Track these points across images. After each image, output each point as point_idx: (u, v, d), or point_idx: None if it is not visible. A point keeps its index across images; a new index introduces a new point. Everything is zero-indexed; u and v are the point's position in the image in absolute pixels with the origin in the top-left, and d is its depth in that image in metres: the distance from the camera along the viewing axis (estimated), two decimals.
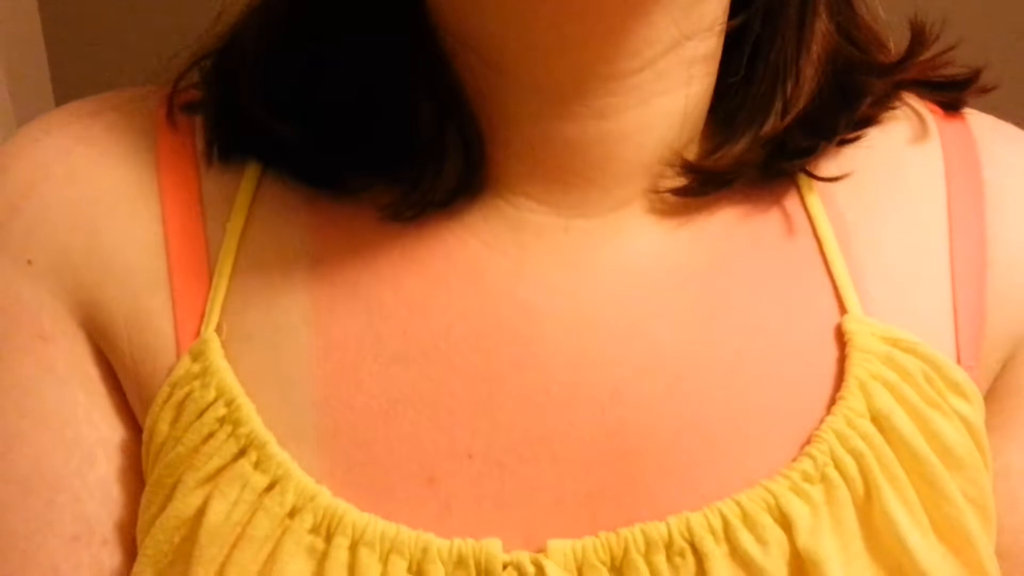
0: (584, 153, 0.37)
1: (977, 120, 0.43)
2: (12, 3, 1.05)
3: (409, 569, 0.34)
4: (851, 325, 0.37)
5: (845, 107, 0.40)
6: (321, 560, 0.34)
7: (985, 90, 0.43)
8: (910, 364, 0.37)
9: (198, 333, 0.37)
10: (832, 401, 0.37)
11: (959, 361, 0.38)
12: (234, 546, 0.34)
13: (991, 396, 0.40)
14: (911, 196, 0.40)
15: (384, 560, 0.34)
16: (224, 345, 0.37)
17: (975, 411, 0.38)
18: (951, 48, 0.42)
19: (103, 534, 0.37)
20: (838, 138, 0.39)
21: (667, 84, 0.37)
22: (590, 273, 0.38)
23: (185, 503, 0.35)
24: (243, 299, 0.37)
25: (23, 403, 0.37)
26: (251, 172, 0.39)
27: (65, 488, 0.37)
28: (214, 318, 0.37)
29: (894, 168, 0.41)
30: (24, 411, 0.37)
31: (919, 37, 0.42)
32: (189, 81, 0.41)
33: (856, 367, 0.37)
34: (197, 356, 0.37)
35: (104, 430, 0.38)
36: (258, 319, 0.37)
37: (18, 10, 1.06)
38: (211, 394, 0.36)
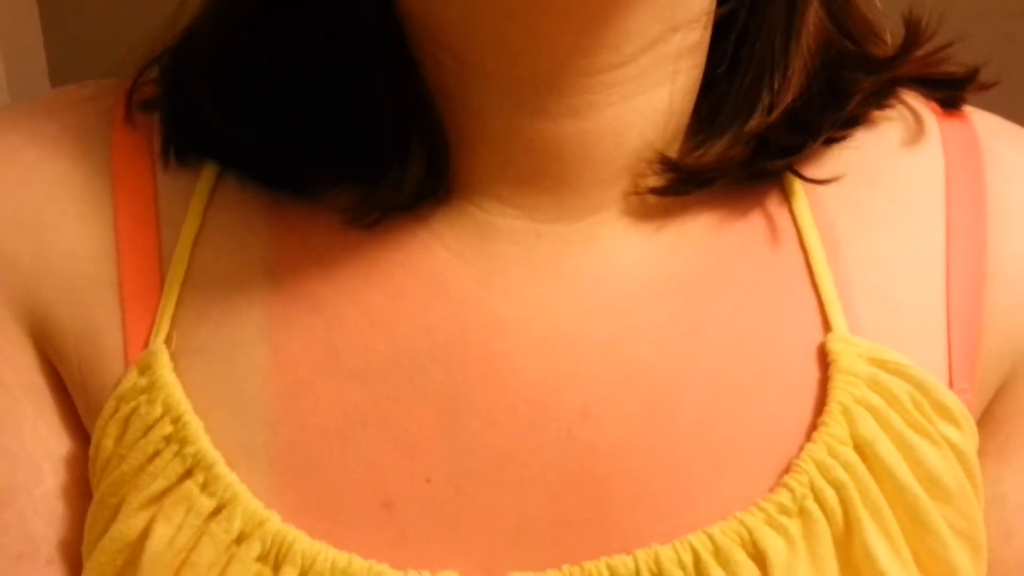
0: (559, 153, 0.35)
1: (981, 120, 0.40)
2: (11, 2, 1.03)
3: None
4: (835, 345, 0.35)
5: (833, 104, 0.37)
6: None
7: (984, 87, 0.41)
8: (896, 387, 0.35)
9: (147, 344, 0.35)
10: (813, 426, 0.35)
11: (951, 383, 0.36)
12: (177, 573, 0.33)
13: (986, 419, 0.38)
14: (907, 203, 0.38)
15: None
16: (173, 358, 0.35)
17: (965, 438, 0.36)
18: (949, 44, 0.40)
19: (48, 553, 0.36)
20: (824, 136, 0.37)
21: (650, 80, 0.35)
22: (563, 284, 0.36)
23: (128, 525, 0.34)
24: (195, 309, 0.36)
25: None
26: (208, 172, 0.37)
27: (9, 504, 0.36)
28: (163, 329, 0.35)
29: (889, 173, 0.39)
30: None
31: (914, 33, 0.39)
32: (149, 77, 0.39)
33: (839, 391, 0.35)
34: (144, 369, 0.35)
35: (51, 443, 0.36)
36: (210, 331, 0.35)
37: (19, 8, 1.04)
38: (157, 410, 0.34)
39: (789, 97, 0.36)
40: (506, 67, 0.34)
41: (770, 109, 0.36)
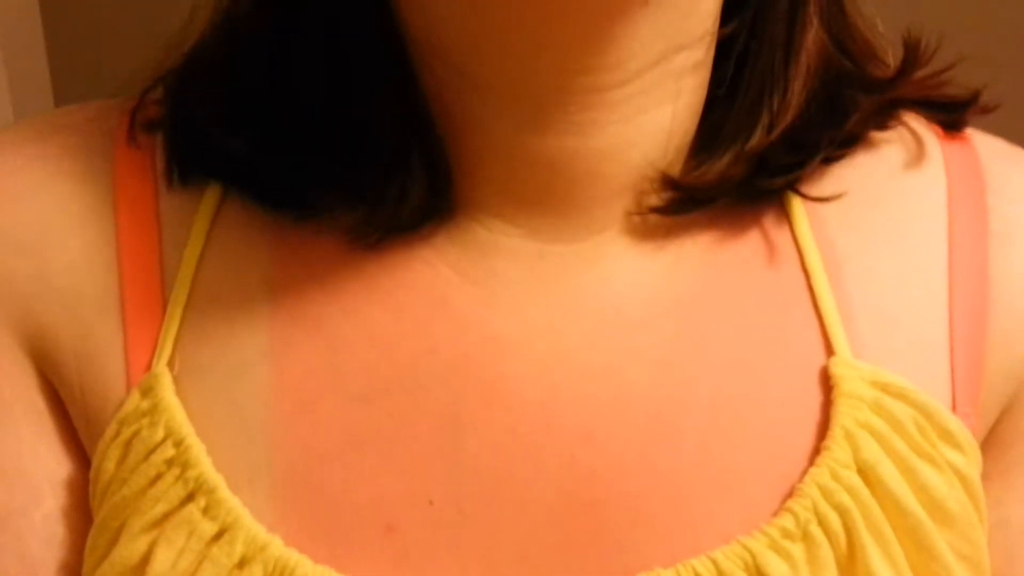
0: (562, 171, 0.35)
1: (983, 142, 0.40)
2: (13, 1, 1.04)
3: None
4: (838, 369, 0.35)
5: (832, 122, 0.37)
6: None
7: (986, 110, 0.41)
8: (900, 411, 0.35)
9: (149, 366, 0.35)
10: (816, 451, 0.35)
11: (954, 407, 0.36)
12: None
13: (990, 442, 0.38)
14: (909, 224, 0.38)
15: None
16: (176, 380, 0.35)
17: (969, 462, 0.36)
18: (950, 67, 0.40)
19: None
20: (823, 154, 0.37)
21: (653, 99, 0.35)
22: (565, 305, 0.36)
23: (129, 549, 0.33)
24: (198, 331, 0.36)
25: None
26: (211, 195, 0.37)
27: (8, 526, 0.35)
28: (166, 351, 0.35)
29: (891, 194, 0.39)
30: None
31: (913, 54, 0.39)
32: (153, 97, 0.39)
33: (842, 415, 0.35)
34: (147, 392, 0.35)
35: (51, 465, 0.36)
36: (213, 353, 0.35)
37: (19, 8, 1.04)
38: (159, 433, 0.34)
39: (789, 117, 0.36)
40: (509, 83, 0.34)
41: (770, 129, 0.36)
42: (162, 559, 0.33)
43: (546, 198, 0.36)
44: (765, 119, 0.36)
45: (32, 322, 0.36)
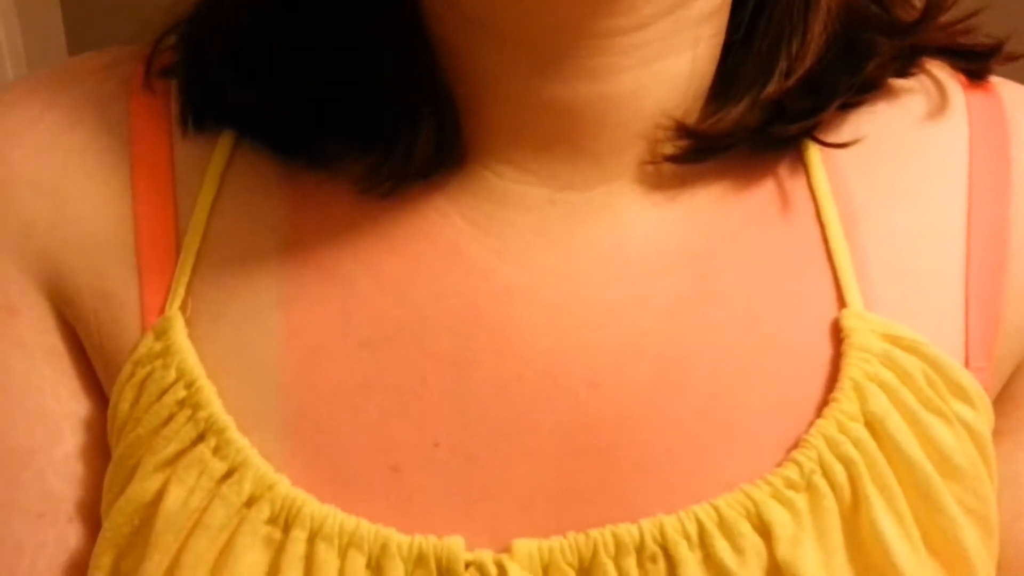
0: (575, 117, 0.35)
1: (1009, 91, 0.39)
2: None
3: (368, 565, 0.33)
4: (849, 321, 0.35)
5: (850, 67, 0.37)
6: (278, 552, 0.33)
7: (1012, 58, 0.40)
8: (910, 364, 0.35)
9: (163, 310, 0.36)
10: (824, 402, 0.34)
11: (967, 361, 0.36)
12: (190, 534, 0.34)
13: (1003, 398, 0.37)
14: (928, 176, 0.38)
15: (342, 555, 0.33)
16: (189, 324, 0.35)
17: (980, 417, 0.35)
18: (976, 12, 0.39)
19: (68, 512, 0.37)
20: (841, 100, 0.36)
21: (672, 45, 0.35)
22: (576, 253, 0.36)
23: (143, 487, 0.34)
24: (210, 277, 0.36)
25: None
26: (225, 140, 0.37)
27: (30, 464, 0.36)
28: (179, 295, 0.36)
29: (911, 145, 0.38)
30: None
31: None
32: (169, 44, 0.39)
33: (851, 367, 0.34)
34: (160, 335, 0.35)
35: (71, 405, 0.37)
36: (225, 298, 0.36)
37: None
38: (171, 375, 0.35)
39: (808, 62, 0.36)
40: (521, 27, 0.34)
41: (788, 74, 0.36)
42: (174, 497, 0.34)
43: (558, 144, 0.35)
44: (783, 64, 0.36)
45: (51, 266, 0.37)
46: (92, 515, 0.37)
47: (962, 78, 0.40)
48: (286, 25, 0.36)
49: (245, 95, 0.36)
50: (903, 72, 0.39)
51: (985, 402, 0.36)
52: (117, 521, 0.35)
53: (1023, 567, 0.37)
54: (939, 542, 0.34)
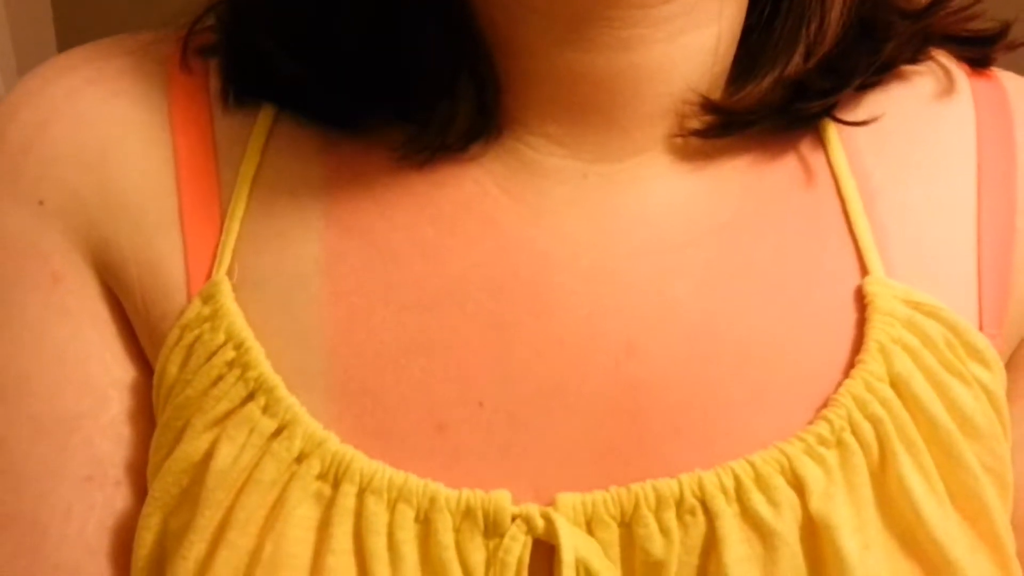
0: (607, 89, 0.36)
1: (1010, 81, 0.41)
2: None
3: (416, 518, 0.34)
4: (872, 287, 0.37)
5: (869, 48, 0.38)
6: (328, 506, 0.34)
7: (1013, 46, 0.42)
8: (931, 328, 0.36)
9: (209, 276, 0.37)
10: (851, 364, 0.36)
11: (981, 328, 0.37)
12: (241, 491, 0.34)
13: (1012, 365, 0.39)
14: (940, 155, 0.39)
15: (391, 508, 0.34)
16: (235, 289, 0.36)
17: (995, 379, 0.37)
18: (979, 0, 0.41)
19: (115, 475, 0.37)
20: (860, 80, 0.38)
21: (698, 19, 0.36)
22: (608, 223, 0.37)
23: (193, 446, 0.35)
24: (255, 243, 0.37)
25: (36, 343, 0.37)
26: (265, 115, 0.38)
27: (78, 428, 0.37)
28: (225, 261, 0.37)
29: (923, 125, 0.40)
30: (37, 351, 0.37)
31: None
32: (205, 25, 0.40)
33: (876, 330, 0.36)
34: (207, 299, 0.36)
35: (116, 371, 0.38)
36: (270, 264, 0.37)
37: None
38: (220, 337, 0.35)
39: (827, 45, 0.37)
40: (555, 3, 0.35)
41: (807, 56, 0.37)
42: (224, 454, 0.34)
43: (590, 117, 0.37)
44: (803, 46, 0.37)
45: (96, 235, 0.38)
46: (139, 479, 0.37)
47: (965, 67, 0.42)
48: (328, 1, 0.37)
49: (288, 65, 0.37)
50: (914, 58, 0.41)
51: (999, 365, 0.37)
52: (166, 481, 0.35)
53: None
54: (962, 498, 0.35)
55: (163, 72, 0.39)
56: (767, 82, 0.37)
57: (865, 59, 0.38)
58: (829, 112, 0.38)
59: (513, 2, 0.36)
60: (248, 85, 0.39)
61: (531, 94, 0.37)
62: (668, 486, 0.34)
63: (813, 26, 0.38)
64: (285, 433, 0.34)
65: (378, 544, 0.33)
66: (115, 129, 0.38)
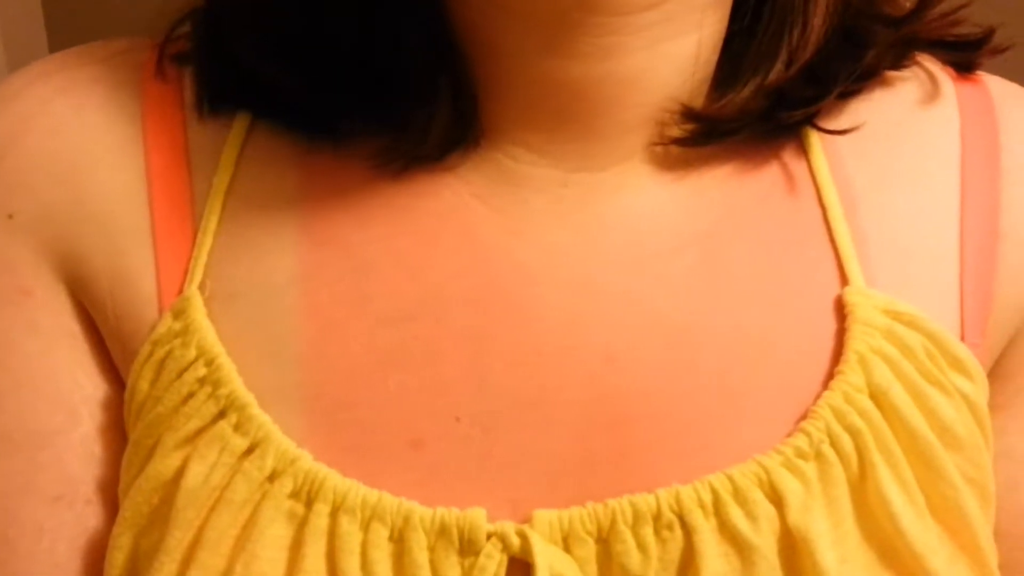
0: (587, 96, 0.36)
1: (996, 84, 0.41)
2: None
3: (391, 537, 0.33)
4: (852, 297, 0.36)
5: (851, 55, 0.38)
6: (301, 526, 0.34)
7: (998, 50, 0.42)
8: (911, 338, 0.36)
9: (181, 290, 0.36)
10: (830, 375, 0.36)
11: (963, 337, 0.37)
12: (212, 510, 0.34)
13: (995, 374, 0.39)
14: (923, 161, 0.39)
15: (365, 527, 0.33)
16: (207, 303, 0.36)
17: (977, 389, 0.37)
18: (964, 5, 0.41)
19: (86, 494, 0.37)
20: (841, 88, 0.38)
21: (678, 27, 0.36)
22: (588, 233, 0.37)
23: (163, 465, 0.34)
24: (228, 256, 0.36)
25: (5, 359, 0.37)
26: (240, 124, 0.38)
27: (48, 446, 0.37)
28: (197, 275, 0.36)
29: (906, 131, 0.39)
30: (6, 368, 0.37)
31: None
32: (181, 32, 0.40)
33: (856, 341, 0.35)
34: (179, 314, 0.36)
35: (87, 387, 0.37)
36: (243, 277, 0.36)
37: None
38: (191, 353, 0.35)
39: (808, 53, 0.37)
40: (534, 6, 0.34)
41: (789, 64, 0.37)
42: (195, 473, 0.34)
43: (570, 125, 0.36)
44: (784, 54, 0.37)
45: (66, 249, 0.37)
46: (111, 496, 0.37)
47: (951, 71, 0.41)
48: (305, 2, 0.36)
49: (263, 71, 0.37)
50: (897, 64, 0.40)
51: (981, 375, 0.37)
52: (136, 500, 0.35)
53: (1018, 535, 0.38)
54: (942, 509, 0.35)
55: (137, 81, 0.39)
56: (748, 90, 0.37)
57: (847, 66, 0.38)
58: (811, 120, 0.38)
59: (492, 9, 0.35)
60: (223, 92, 0.38)
61: (510, 102, 0.36)
62: (645, 501, 0.33)
63: (795, 34, 0.37)
64: (257, 452, 0.34)
65: (351, 564, 0.33)
66: (87, 140, 0.38)
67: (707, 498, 0.33)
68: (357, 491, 0.33)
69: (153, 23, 0.40)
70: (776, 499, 0.34)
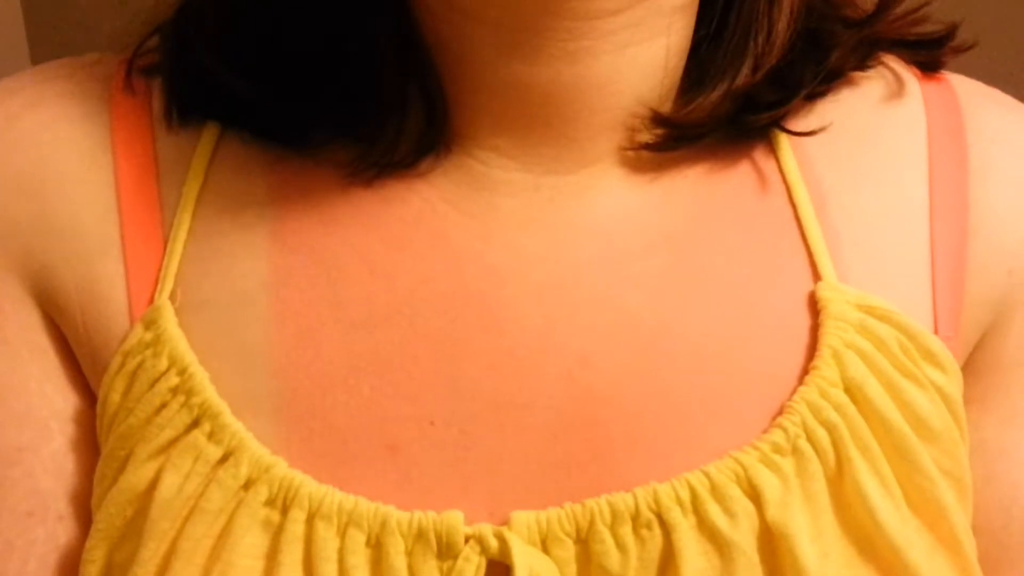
0: (556, 100, 0.36)
1: (960, 83, 0.42)
2: None
3: (368, 543, 0.33)
4: (825, 292, 0.36)
5: (815, 58, 0.39)
6: (276, 534, 0.33)
7: (962, 49, 0.42)
8: (884, 332, 0.36)
9: (151, 301, 0.36)
10: (805, 371, 0.36)
11: (936, 331, 0.37)
12: (187, 520, 0.33)
13: (969, 368, 0.39)
14: (891, 160, 0.39)
15: (342, 533, 0.33)
16: (178, 312, 0.36)
17: (951, 382, 0.37)
18: (927, 3, 0.41)
19: (58, 509, 0.36)
20: (807, 90, 0.38)
21: (645, 32, 0.36)
22: (560, 236, 0.37)
23: (137, 476, 0.34)
24: (199, 265, 0.36)
25: None
26: (209, 134, 0.38)
27: (18, 462, 0.36)
28: (168, 285, 0.36)
29: (873, 130, 0.40)
30: None
31: None
32: (150, 46, 0.40)
33: (830, 336, 0.36)
34: (149, 324, 0.35)
35: (57, 402, 0.37)
36: (214, 285, 0.36)
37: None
38: (163, 363, 0.35)
39: (774, 57, 0.37)
40: (500, 9, 0.35)
41: (755, 69, 0.37)
42: (169, 483, 0.34)
43: (539, 129, 0.36)
44: (751, 58, 0.37)
45: (35, 263, 0.37)
46: (83, 511, 0.36)
47: (916, 70, 0.42)
48: (274, 11, 0.36)
49: (232, 82, 0.36)
50: (862, 65, 0.41)
51: (955, 368, 0.37)
52: (110, 512, 0.34)
53: (995, 529, 0.38)
54: (920, 501, 0.35)
55: (105, 94, 0.39)
56: (716, 94, 0.37)
57: (811, 69, 0.38)
58: (778, 123, 0.38)
59: (459, 16, 0.35)
60: (192, 104, 0.38)
61: (479, 108, 0.36)
62: (623, 500, 0.33)
63: (760, 39, 0.38)
64: (231, 460, 0.34)
65: (328, 571, 0.33)
66: (55, 154, 0.37)
67: (685, 496, 0.33)
68: (333, 497, 0.33)
69: (135, 36, 0.40)
70: (754, 495, 0.34)
